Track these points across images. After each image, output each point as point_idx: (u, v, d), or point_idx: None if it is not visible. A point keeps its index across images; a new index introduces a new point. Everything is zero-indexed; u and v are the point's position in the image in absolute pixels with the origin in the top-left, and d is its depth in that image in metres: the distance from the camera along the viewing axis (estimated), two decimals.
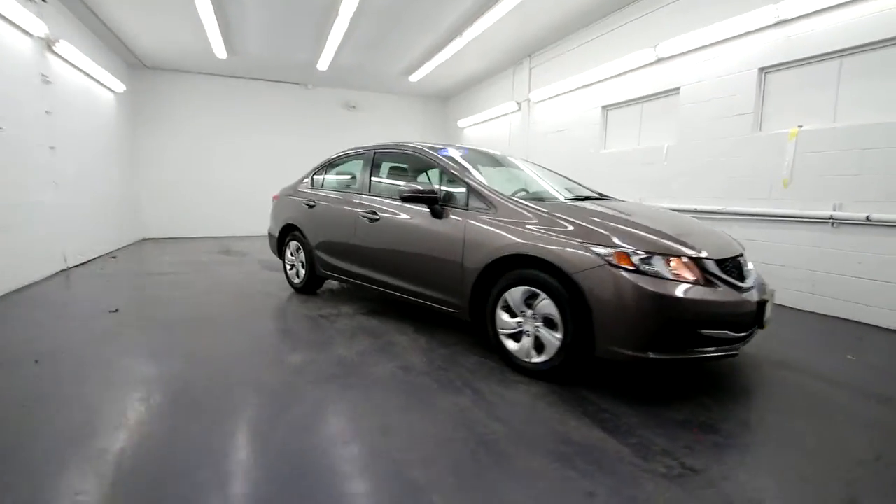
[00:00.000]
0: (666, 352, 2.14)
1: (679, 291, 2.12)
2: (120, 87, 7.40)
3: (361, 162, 3.92)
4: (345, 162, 4.27)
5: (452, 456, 1.79)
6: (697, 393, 2.39)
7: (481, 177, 3.03)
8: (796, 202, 4.08)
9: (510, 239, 2.55)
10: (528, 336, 2.53)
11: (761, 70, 4.33)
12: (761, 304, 2.35)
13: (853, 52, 3.72)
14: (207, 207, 9.46)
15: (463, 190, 2.97)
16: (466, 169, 3.10)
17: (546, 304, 2.41)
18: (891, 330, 3.51)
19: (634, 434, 1.98)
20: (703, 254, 2.29)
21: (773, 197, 4.26)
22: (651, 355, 2.13)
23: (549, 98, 7.31)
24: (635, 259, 2.18)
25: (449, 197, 3.00)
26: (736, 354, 2.29)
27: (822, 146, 3.89)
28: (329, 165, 4.41)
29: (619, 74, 5.90)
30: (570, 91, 6.81)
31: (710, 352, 2.20)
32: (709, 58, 4.78)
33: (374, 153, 3.82)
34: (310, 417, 2.07)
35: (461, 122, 10.32)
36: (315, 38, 6.96)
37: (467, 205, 2.87)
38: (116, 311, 3.76)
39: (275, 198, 4.95)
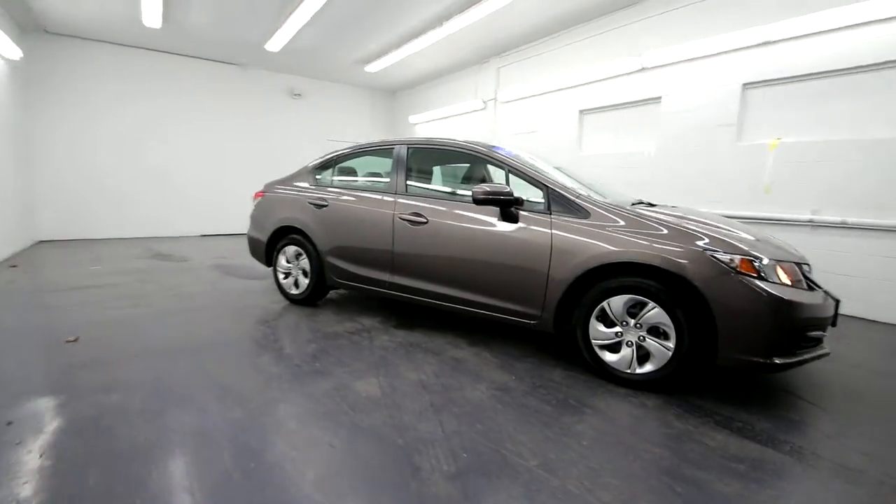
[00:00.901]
0: (786, 356, 2.18)
1: (800, 296, 2.18)
2: (15, 52, 5.83)
3: (389, 158, 3.50)
4: (360, 157, 3.81)
5: (663, 493, 1.61)
6: (784, 394, 2.50)
7: (565, 179, 2.86)
8: (777, 207, 4.55)
9: (614, 247, 2.42)
10: (629, 346, 2.44)
11: (744, 85, 4.75)
12: (837, 304, 2.52)
13: (828, 76, 4.22)
14: (121, 205, 7.95)
15: (539, 193, 2.78)
16: (543, 171, 2.90)
17: (656, 314, 2.33)
18: (868, 320, 4.07)
19: (779, 439, 1.98)
20: (803, 259, 2.39)
21: (755, 202, 4.71)
22: (777, 361, 2.15)
23: (520, 99, 7.35)
24: (757, 265, 2.19)
25: (521, 200, 2.78)
26: (829, 353, 2.42)
27: (800, 157, 4.37)
28: (337, 160, 3.90)
29: (600, 80, 6.11)
30: (545, 93, 6.91)
31: (816, 353, 2.30)
32: (693, 70, 5.13)
33: (408, 149, 3.43)
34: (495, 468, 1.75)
35: (413, 118, 9.99)
36: (276, 12, 6.17)
37: (549, 209, 2.69)
38: (76, 340, 2.92)
39: (258, 195, 4.27)
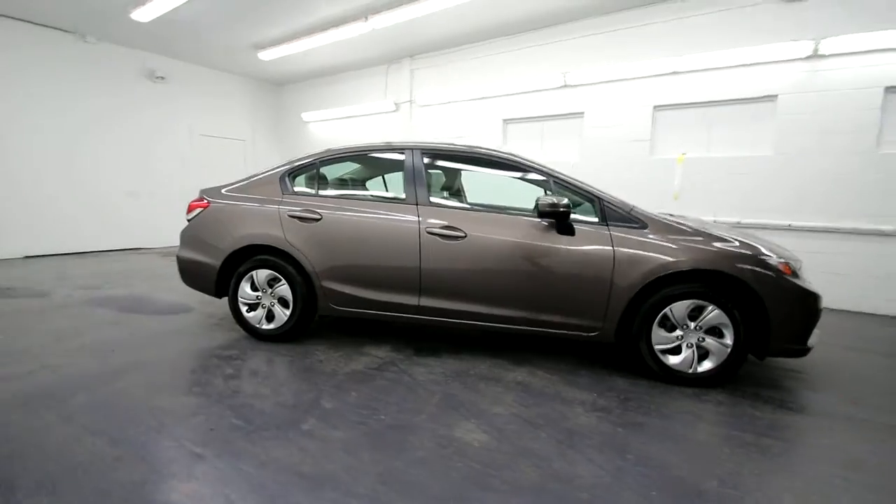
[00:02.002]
0: (810, 340, 2.60)
1: (817, 291, 2.62)
2: None
3: (400, 164, 3.07)
4: (359, 161, 3.29)
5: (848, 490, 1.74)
6: (792, 373, 2.99)
7: (609, 191, 2.87)
8: (685, 212, 5.44)
9: (680, 257, 2.54)
10: (690, 347, 2.61)
11: (655, 107, 5.56)
12: None
13: (720, 104, 5.21)
14: None
15: (589, 204, 2.77)
16: (583, 182, 2.87)
17: (716, 315, 2.53)
18: None
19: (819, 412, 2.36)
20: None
21: (665, 208, 5.55)
22: (809, 345, 2.55)
23: (442, 104, 7.28)
24: (792, 266, 2.55)
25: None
26: None
27: (702, 169, 5.31)
28: (324, 164, 3.26)
29: (524, 92, 6.43)
30: (468, 100, 6.97)
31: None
32: (612, 90, 5.78)
33: (423, 154, 3.05)
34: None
35: (308, 116, 9.07)
36: None
37: (605, 220, 2.70)
38: None
39: (200, 206, 3.30)
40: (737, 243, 2.56)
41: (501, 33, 6.42)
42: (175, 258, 3.42)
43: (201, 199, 3.33)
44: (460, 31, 6.37)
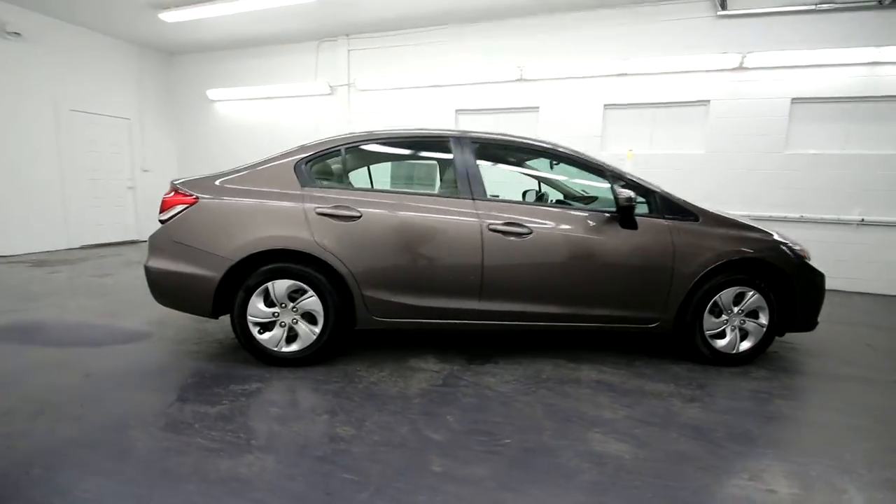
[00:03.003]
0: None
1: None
2: None
3: (445, 152, 2.76)
4: (395, 147, 2.90)
5: None
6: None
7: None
8: None
9: (731, 247, 2.72)
10: (734, 330, 2.83)
11: (605, 105, 5.93)
12: None
13: (661, 106, 5.77)
14: None
15: (644, 198, 2.80)
16: (635, 175, 2.88)
17: (756, 299, 2.78)
18: None
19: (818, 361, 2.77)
20: None
21: None
22: (818, 320, 2.95)
23: (387, 89, 6.81)
24: (807, 252, 2.91)
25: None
26: None
27: (647, 164, 5.84)
28: (350, 151, 2.75)
29: (479, 83, 6.34)
30: (418, 87, 6.64)
31: None
32: (567, 87, 6.01)
33: (473, 143, 2.76)
34: None
35: (215, 93, 7.77)
36: None
37: (662, 213, 2.75)
38: None
39: (182, 202, 2.55)
40: (772, 234, 2.83)
41: (455, 20, 6.22)
42: (144, 269, 2.61)
43: (184, 193, 2.57)
44: (408, 13, 6.00)
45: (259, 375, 2.50)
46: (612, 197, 2.70)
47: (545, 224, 2.66)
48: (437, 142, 2.82)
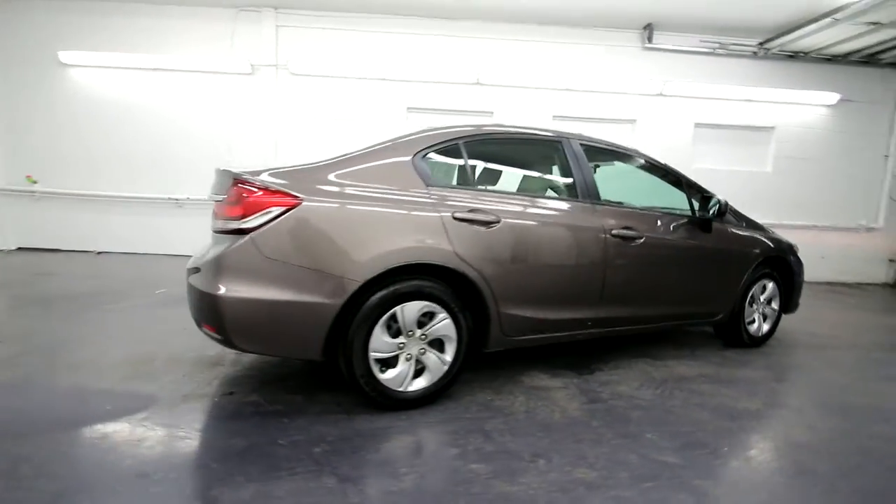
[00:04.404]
0: None
1: None
2: None
3: (559, 153, 2.58)
4: (511, 144, 2.62)
5: None
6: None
7: None
8: None
9: (768, 243, 3.20)
10: (760, 316, 3.33)
11: (554, 116, 6.33)
12: None
13: (597, 121, 6.41)
14: None
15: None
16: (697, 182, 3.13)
17: (772, 288, 3.33)
18: None
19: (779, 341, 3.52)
20: None
21: None
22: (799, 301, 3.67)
23: (326, 77, 6.02)
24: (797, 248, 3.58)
25: None
26: None
27: None
28: (468, 146, 2.32)
29: (433, 82, 6.11)
30: (364, 78, 6.04)
31: None
32: (521, 95, 6.22)
33: (581, 146, 2.63)
34: None
35: (69, 56, 5.79)
36: None
37: (723, 218, 3.06)
38: None
39: (276, 204, 1.82)
40: (781, 235, 3.42)
41: (409, 12, 5.86)
42: (210, 300, 1.78)
43: (281, 191, 1.84)
44: None
45: (395, 427, 1.96)
46: (686, 205, 2.93)
47: (651, 228, 2.72)
48: (550, 142, 2.62)
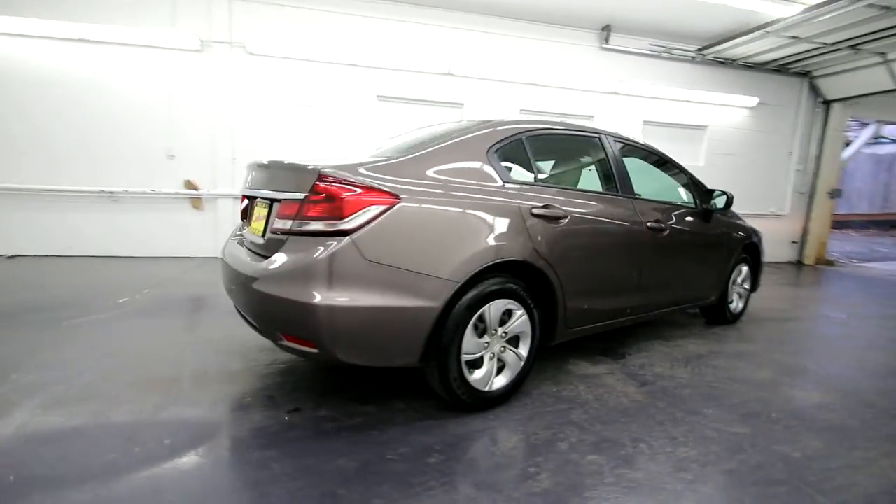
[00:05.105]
0: None
1: None
2: None
3: (600, 150, 2.67)
4: (560, 142, 2.70)
5: None
6: None
7: None
8: None
9: (746, 232, 3.61)
10: (738, 296, 3.77)
11: (521, 110, 6.48)
12: None
13: (561, 116, 6.70)
14: None
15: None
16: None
17: (747, 272, 3.78)
18: None
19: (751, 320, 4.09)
20: None
21: None
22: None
23: (288, 59, 5.55)
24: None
25: None
26: None
27: None
28: (530, 140, 2.30)
29: (406, 70, 5.92)
30: (330, 63, 5.67)
31: None
32: (490, 87, 6.27)
33: (615, 142, 2.75)
34: None
35: None
36: None
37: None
38: None
39: (383, 201, 1.69)
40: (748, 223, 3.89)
41: None
42: (308, 310, 1.61)
43: (380, 189, 1.69)
44: None
45: (490, 427, 1.93)
46: (690, 198, 3.22)
47: (670, 220, 2.94)
48: (591, 137, 2.69)
